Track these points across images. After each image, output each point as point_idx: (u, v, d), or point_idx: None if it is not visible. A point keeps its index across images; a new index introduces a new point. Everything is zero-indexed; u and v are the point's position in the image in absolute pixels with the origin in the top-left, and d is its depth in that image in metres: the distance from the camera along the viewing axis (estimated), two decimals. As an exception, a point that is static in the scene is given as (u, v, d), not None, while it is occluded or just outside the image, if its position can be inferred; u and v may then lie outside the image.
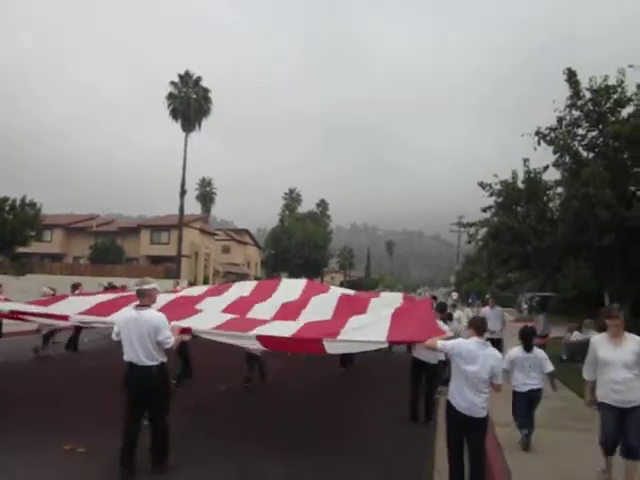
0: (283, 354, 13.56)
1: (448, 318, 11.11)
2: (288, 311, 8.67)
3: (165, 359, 5.58)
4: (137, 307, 5.59)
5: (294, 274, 56.38)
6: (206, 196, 68.92)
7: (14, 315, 8.67)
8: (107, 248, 45.47)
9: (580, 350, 13.22)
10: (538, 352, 6.86)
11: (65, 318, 8.07)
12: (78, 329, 13.80)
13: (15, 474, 5.39)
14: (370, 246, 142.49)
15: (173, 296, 9.78)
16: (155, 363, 5.45)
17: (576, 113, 11.79)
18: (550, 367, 6.78)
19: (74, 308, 8.56)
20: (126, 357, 5.50)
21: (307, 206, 79.00)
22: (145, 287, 5.60)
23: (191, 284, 26.12)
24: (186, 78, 42.20)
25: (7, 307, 8.72)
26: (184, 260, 42.51)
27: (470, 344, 5.00)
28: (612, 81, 11.37)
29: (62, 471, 5.49)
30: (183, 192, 40.83)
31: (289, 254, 58.88)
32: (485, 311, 12.85)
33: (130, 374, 5.47)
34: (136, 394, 5.46)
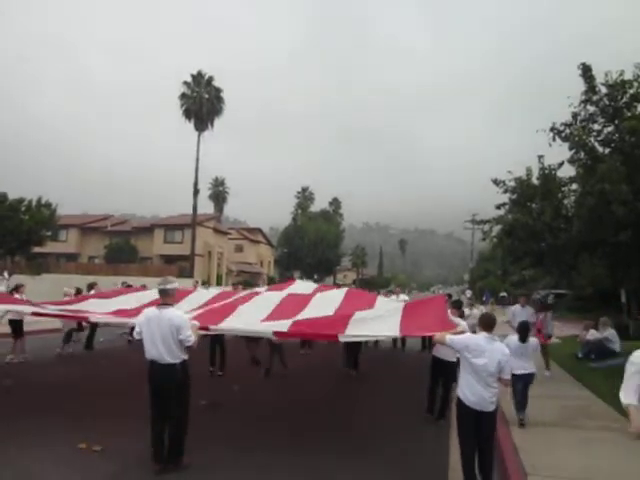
0: (296, 353, 13.65)
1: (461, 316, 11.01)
2: (289, 307, 8.88)
3: (186, 357, 5.66)
4: (159, 306, 5.67)
5: (307, 273, 56.52)
6: (219, 195, 69.20)
7: (36, 314, 8.82)
8: (121, 248, 45.85)
9: (596, 348, 13.14)
10: (532, 341, 7.79)
11: (84, 318, 8.22)
12: (93, 328, 13.98)
13: (30, 472, 5.42)
14: (383, 244, 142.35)
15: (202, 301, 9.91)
16: (177, 361, 5.53)
17: (591, 108, 11.60)
18: (538, 348, 8.23)
19: (94, 309, 8.67)
20: (148, 355, 5.58)
21: (320, 204, 79.11)
22: (168, 287, 5.70)
23: (204, 283, 26.25)
24: (198, 78, 42.42)
25: (29, 309, 8.81)
26: (197, 259, 42.74)
27: (479, 339, 5.16)
28: (628, 76, 11.21)
29: (77, 469, 5.52)
30: (196, 191, 41.05)
31: (302, 253, 58.97)
32: (515, 309, 12.33)
33: (152, 372, 5.55)
34: (159, 391, 5.53)
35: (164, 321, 5.50)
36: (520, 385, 7.42)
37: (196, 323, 6.10)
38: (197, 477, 5.46)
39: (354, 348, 11.43)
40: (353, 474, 5.70)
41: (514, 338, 7.64)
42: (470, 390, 5.01)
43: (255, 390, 9.74)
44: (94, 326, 13.83)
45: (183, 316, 5.71)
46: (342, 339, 6.74)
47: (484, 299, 37.75)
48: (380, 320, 7.23)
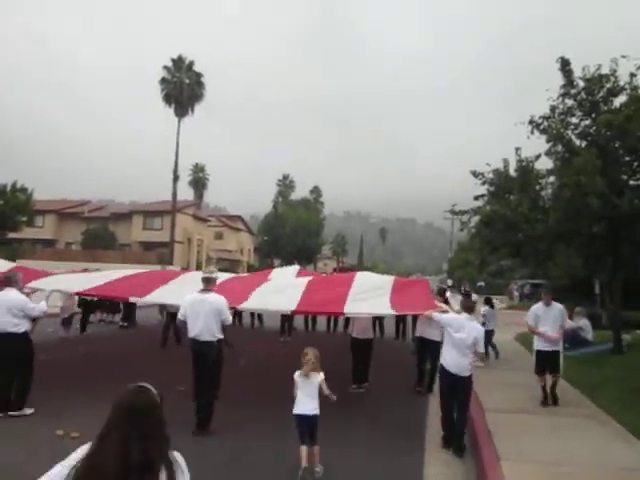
0: (276, 340, 13.68)
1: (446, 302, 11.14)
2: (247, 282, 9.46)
3: (222, 336, 6.56)
4: (202, 291, 6.53)
5: (287, 261, 56.45)
6: (199, 182, 68.47)
7: (80, 293, 8.89)
8: (99, 234, 45.32)
9: (570, 337, 13.39)
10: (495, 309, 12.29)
11: (125, 299, 8.78)
12: (85, 311, 14.74)
13: (4, 459, 5.35)
14: (363, 233, 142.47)
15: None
16: (214, 339, 6.42)
17: (569, 102, 11.79)
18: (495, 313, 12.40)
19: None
20: (191, 333, 6.45)
21: (300, 193, 78.94)
22: (213, 275, 6.75)
23: (183, 270, 26.07)
24: (179, 63, 41.91)
25: (73, 289, 8.68)
26: (177, 246, 42.47)
27: (460, 317, 6.30)
28: (605, 70, 11.39)
29: (56, 456, 5.46)
30: (176, 178, 40.73)
31: (282, 241, 58.89)
32: (537, 309, 8.74)
33: (194, 348, 6.41)
34: (198, 364, 6.40)
35: (207, 304, 6.35)
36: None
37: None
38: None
39: (365, 356, 9.09)
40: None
41: (486, 308, 12.05)
42: (451, 358, 6.13)
43: (236, 372, 9.76)
44: (87, 310, 14.82)
45: (224, 300, 6.51)
46: (348, 314, 8.01)
47: (461, 289, 38.32)
48: (371, 297, 7.67)
